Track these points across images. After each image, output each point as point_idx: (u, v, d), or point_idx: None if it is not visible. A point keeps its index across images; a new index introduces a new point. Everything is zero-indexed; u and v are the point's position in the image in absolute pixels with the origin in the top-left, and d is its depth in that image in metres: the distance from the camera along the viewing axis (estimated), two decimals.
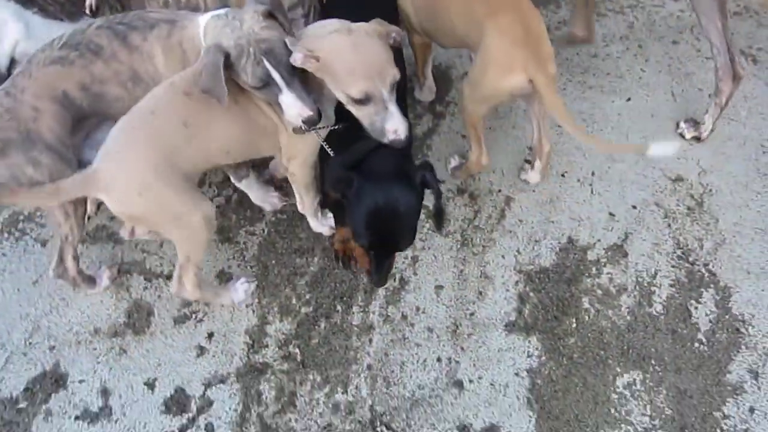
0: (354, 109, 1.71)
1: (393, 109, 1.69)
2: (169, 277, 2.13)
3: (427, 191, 1.80)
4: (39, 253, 2.21)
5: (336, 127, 1.85)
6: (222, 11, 1.75)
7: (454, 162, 2.38)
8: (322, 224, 2.20)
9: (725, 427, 1.89)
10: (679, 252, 2.23)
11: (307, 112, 1.67)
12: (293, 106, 1.67)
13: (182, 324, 2.06)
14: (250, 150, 1.92)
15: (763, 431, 1.88)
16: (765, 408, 1.92)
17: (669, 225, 2.30)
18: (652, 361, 2.00)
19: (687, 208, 2.35)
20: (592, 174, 2.43)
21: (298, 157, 1.93)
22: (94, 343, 2.02)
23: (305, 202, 2.11)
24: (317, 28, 1.75)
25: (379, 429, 1.87)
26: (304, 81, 1.70)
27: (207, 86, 1.64)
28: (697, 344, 2.04)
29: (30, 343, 2.02)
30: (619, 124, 2.58)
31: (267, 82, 1.66)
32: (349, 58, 1.64)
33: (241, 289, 2.08)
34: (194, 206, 1.75)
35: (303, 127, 1.72)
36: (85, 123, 1.86)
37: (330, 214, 2.20)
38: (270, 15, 1.68)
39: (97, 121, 1.88)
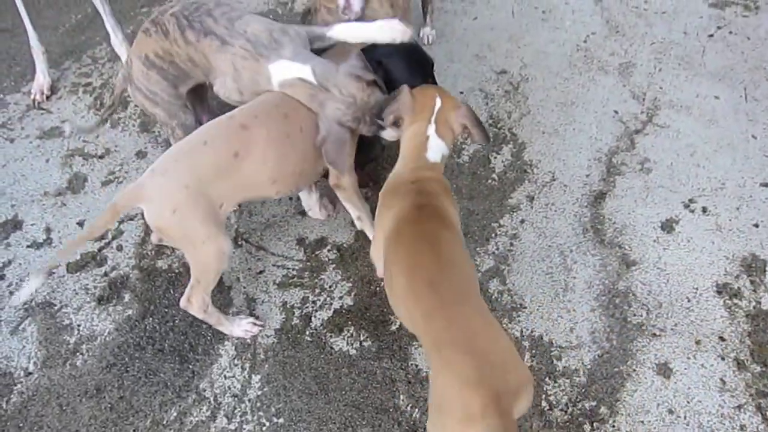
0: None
1: None
2: (101, 157, 2.85)
3: None
4: (7, 147, 2.94)
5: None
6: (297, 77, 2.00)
7: None
8: None
9: (499, 233, 2.49)
10: (490, 121, 2.84)
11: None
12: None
13: (108, 185, 2.76)
14: (299, 180, 2.10)
15: (528, 234, 2.48)
16: (532, 220, 2.52)
17: (487, 103, 2.92)
18: (453, 193, 2.61)
19: (505, 91, 2.96)
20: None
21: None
22: (43, 201, 2.73)
23: (363, 214, 2.30)
24: None
25: (240, 242, 2.53)
26: None
27: (333, 159, 1.99)
28: (490, 181, 2.65)
29: None
30: (463, 36, 3.21)
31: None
32: None
33: (242, 327, 2.23)
34: (212, 238, 1.93)
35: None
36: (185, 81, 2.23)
37: None
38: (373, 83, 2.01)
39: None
